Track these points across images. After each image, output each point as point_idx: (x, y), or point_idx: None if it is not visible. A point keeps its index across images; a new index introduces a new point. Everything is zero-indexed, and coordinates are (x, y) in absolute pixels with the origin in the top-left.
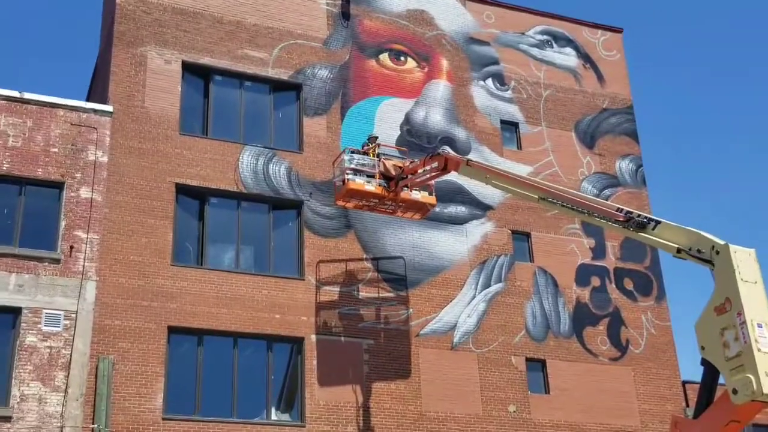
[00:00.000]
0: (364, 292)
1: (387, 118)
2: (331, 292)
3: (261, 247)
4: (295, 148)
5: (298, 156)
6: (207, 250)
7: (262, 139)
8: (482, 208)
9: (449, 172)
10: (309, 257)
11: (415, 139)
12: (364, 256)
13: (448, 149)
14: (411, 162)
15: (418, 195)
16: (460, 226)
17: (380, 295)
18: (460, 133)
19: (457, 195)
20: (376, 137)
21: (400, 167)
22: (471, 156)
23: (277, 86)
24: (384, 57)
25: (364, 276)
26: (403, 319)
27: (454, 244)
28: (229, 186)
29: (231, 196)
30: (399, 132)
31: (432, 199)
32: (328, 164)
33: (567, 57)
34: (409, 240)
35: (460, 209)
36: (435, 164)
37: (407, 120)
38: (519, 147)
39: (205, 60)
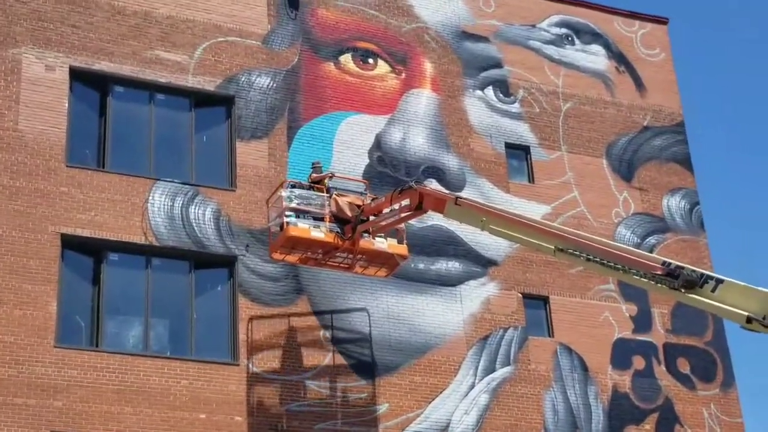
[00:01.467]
0: (321, 381)
1: (351, 142)
2: (276, 382)
3: (179, 322)
4: (225, 185)
5: (230, 195)
6: (104, 327)
7: (180, 172)
8: (482, 263)
9: (424, 212)
10: (245, 334)
11: (390, 169)
12: (318, 324)
13: (434, 183)
14: (373, 199)
15: (383, 244)
16: (453, 288)
17: (343, 384)
18: (450, 162)
19: (449, 246)
20: (320, 164)
21: (359, 206)
22: (466, 192)
23: (200, 100)
24: (346, 59)
25: (321, 358)
26: (373, 418)
27: (444, 314)
28: (135, 237)
29: (137, 250)
30: (367, 160)
31: (402, 249)
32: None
33: (594, 57)
34: (382, 308)
35: (452, 265)
36: (406, 201)
37: (378, 144)
38: (531, 179)
39: (102, 65)
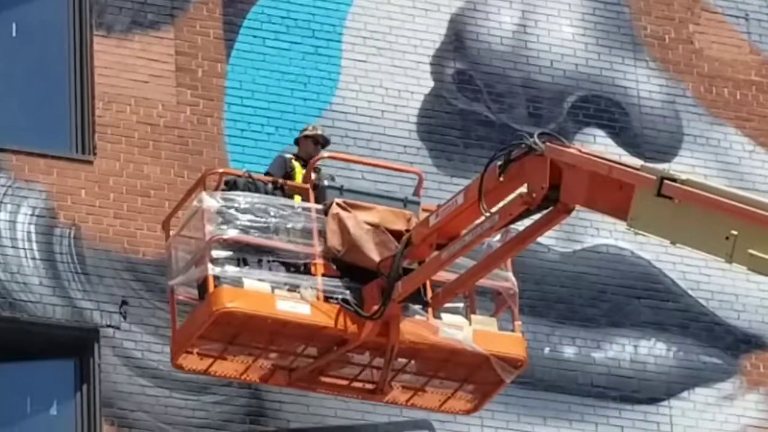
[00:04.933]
0: None
1: (383, 39)
2: None
3: None
4: (65, 148)
5: (79, 173)
6: None
7: None
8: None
9: (567, 213)
10: None
11: (486, 104)
12: None
13: (595, 144)
14: (436, 210)
15: (461, 329)
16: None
17: None
18: (646, 86)
19: (641, 311)
20: (316, 132)
21: (399, 232)
22: (686, 162)
23: None
24: None
25: None
26: None
27: None
28: None
29: None
30: (430, 83)
31: (512, 343)
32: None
33: None
34: None
35: (658, 351)
36: (519, 193)
37: (457, 40)
38: None
39: None
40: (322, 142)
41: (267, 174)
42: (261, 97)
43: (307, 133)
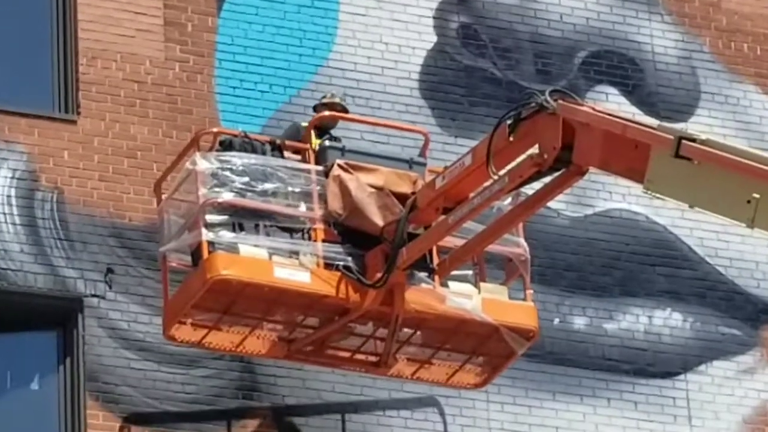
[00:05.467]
0: None
1: None
2: None
3: None
4: (48, 107)
5: (63, 132)
6: None
7: None
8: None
9: (580, 174)
10: None
11: (492, 59)
12: None
13: (608, 102)
14: (438, 174)
15: (470, 298)
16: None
17: None
18: (661, 41)
19: (657, 280)
20: (335, 98)
21: (404, 195)
22: (703, 121)
23: None
24: None
25: None
26: None
27: None
28: None
29: None
30: (433, 38)
31: (524, 311)
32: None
33: None
34: None
35: (675, 320)
36: (530, 155)
37: None
38: None
39: None
40: (340, 110)
41: None
42: (254, 52)
43: (324, 101)
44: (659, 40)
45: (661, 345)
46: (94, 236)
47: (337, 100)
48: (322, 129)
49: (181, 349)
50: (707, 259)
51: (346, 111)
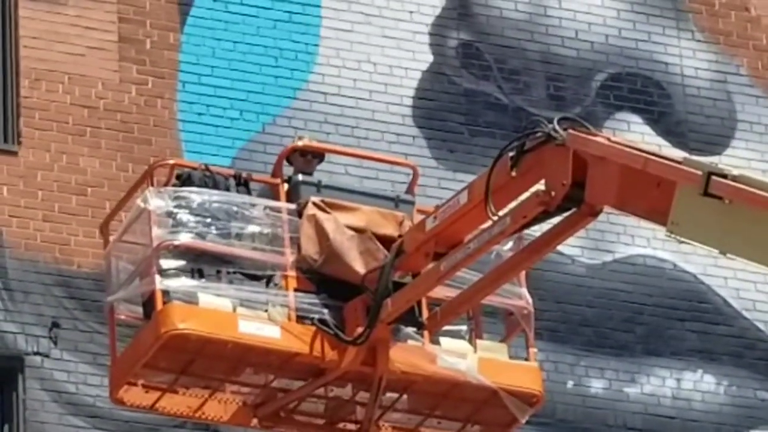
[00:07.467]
0: None
1: (367, 13)
2: None
3: None
4: None
5: (1, 164)
6: None
7: None
8: None
9: (593, 215)
10: None
11: (497, 82)
12: None
13: (627, 132)
14: (434, 211)
15: (464, 358)
16: None
17: None
18: (691, 61)
19: (687, 336)
20: (310, 147)
21: (391, 237)
22: (739, 147)
23: None
24: None
25: None
26: None
27: None
28: None
29: None
30: (429, 58)
31: (526, 374)
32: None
33: None
34: None
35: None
36: (534, 192)
37: (461, 7)
38: None
39: None
40: (312, 153)
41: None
42: (222, 74)
43: (292, 145)
44: (689, 60)
45: (691, 412)
46: (37, 285)
47: (302, 143)
48: (303, 173)
49: (137, 415)
50: (744, 313)
51: (320, 153)
